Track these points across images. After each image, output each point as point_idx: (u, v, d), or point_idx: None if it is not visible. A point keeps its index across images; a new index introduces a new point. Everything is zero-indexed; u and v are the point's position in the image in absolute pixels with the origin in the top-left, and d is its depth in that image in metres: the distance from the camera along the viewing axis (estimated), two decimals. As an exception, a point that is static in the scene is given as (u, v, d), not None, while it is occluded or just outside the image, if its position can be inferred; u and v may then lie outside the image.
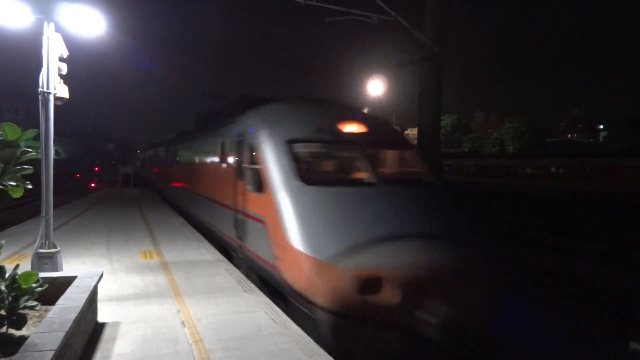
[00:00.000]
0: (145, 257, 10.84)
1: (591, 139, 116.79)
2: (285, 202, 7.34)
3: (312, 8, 13.99)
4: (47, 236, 7.86)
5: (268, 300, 7.65)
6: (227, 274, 9.34)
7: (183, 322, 6.51)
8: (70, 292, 5.62)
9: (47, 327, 4.41)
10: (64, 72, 8.04)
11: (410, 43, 14.91)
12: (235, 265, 10.29)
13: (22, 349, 3.87)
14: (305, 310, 6.71)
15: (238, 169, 10.36)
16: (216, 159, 13.11)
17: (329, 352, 5.70)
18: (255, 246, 8.69)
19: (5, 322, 4.48)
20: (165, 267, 9.91)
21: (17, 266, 4.83)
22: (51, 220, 7.93)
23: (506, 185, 42.94)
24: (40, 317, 5.20)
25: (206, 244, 12.71)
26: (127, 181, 43.63)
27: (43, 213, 7.79)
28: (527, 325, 10.29)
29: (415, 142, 14.92)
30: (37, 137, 5.63)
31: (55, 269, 7.76)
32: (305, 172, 8.12)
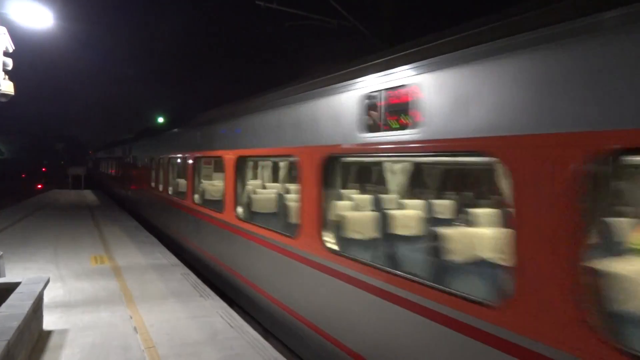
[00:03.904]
0: (96, 262, 10.44)
1: None
2: None
3: (272, 11, 13.98)
4: (-13, 240, 7.43)
5: (224, 304, 7.56)
6: (182, 279, 9.15)
7: (135, 329, 6.32)
8: (13, 299, 5.35)
9: (-13, 336, 4.19)
10: (10, 67, 7.65)
11: (369, 49, 15.19)
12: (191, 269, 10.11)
13: (-42, 360, 3.66)
14: None
15: None
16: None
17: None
18: None
19: (-60, 332, 4.22)
20: (117, 272, 9.59)
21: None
22: (-7, 223, 7.51)
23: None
24: (-21, 326, 4.92)
25: (161, 248, 12.38)
26: (77, 183, 41.75)
27: (-16, 216, 7.36)
28: None
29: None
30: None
31: (-3, 275, 7.35)
32: None
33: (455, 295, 3.49)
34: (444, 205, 6.78)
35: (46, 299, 6.69)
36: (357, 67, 4.88)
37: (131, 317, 6.77)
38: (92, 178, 43.22)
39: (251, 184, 10.56)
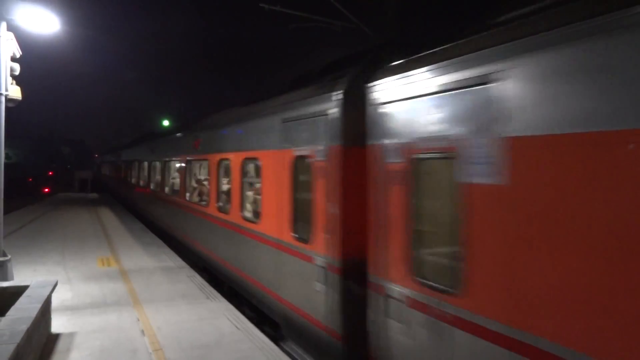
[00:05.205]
0: (103, 265, 10.49)
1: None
2: None
3: (276, 14, 14.01)
4: (-4, 244, 7.46)
5: (231, 306, 7.57)
6: (188, 281, 9.17)
7: (142, 331, 6.34)
8: (21, 302, 5.38)
9: (-4, 339, 4.21)
10: (17, 72, 7.70)
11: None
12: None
13: (-32, 363, 3.68)
14: None
15: None
16: None
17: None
18: None
19: (-50, 336, 4.25)
20: (124, 274, 9.63)
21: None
22: (1, 226, 7.56)
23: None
24: (-11, 329, 4.95)
25: (167, 250, 12.42)
26: (84, 187, 42.07)
27: (-8, 220, 7.40)
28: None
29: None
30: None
31: (5, 278, 7.38)
32: None
33: None
34: None
35: (54, 301, 6.73)
36: None
37: (138, 320, 6.80)
38: (100, 183, 43.15)
39: None
